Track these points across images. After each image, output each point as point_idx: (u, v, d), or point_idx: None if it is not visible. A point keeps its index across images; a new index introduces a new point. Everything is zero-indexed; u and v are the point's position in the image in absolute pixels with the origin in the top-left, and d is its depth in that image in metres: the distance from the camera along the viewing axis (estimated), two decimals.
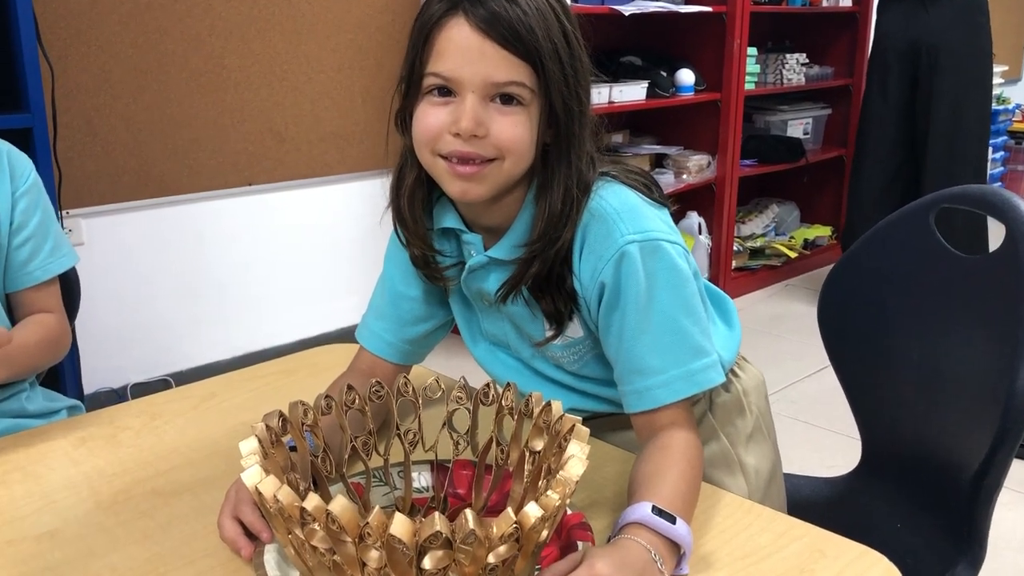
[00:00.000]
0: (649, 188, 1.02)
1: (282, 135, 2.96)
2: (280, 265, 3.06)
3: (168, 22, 2.65)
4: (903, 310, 1.23)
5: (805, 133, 4.29)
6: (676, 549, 0.84)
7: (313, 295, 3.16)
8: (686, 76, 3.57)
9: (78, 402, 1.41)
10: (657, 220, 0.99)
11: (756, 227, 4.26)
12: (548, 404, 0.88)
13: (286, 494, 0.71)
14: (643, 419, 0.99)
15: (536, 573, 0.80)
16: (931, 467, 1.21)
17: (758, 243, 4.18)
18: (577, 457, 0.77)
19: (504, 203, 1.00)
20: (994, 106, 5.22)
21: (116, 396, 2.69)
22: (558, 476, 0.75)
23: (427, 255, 1.06)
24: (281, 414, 0.86)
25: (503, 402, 0.92)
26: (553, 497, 0.74)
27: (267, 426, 0.83)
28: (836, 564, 0.87)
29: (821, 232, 4.39)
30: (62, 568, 0.87)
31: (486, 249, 1.03)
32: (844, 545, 0.90)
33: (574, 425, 0.82)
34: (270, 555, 0.80)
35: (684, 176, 3.70)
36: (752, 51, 3.75)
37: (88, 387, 2.50)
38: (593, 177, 0.99)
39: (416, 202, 1.03)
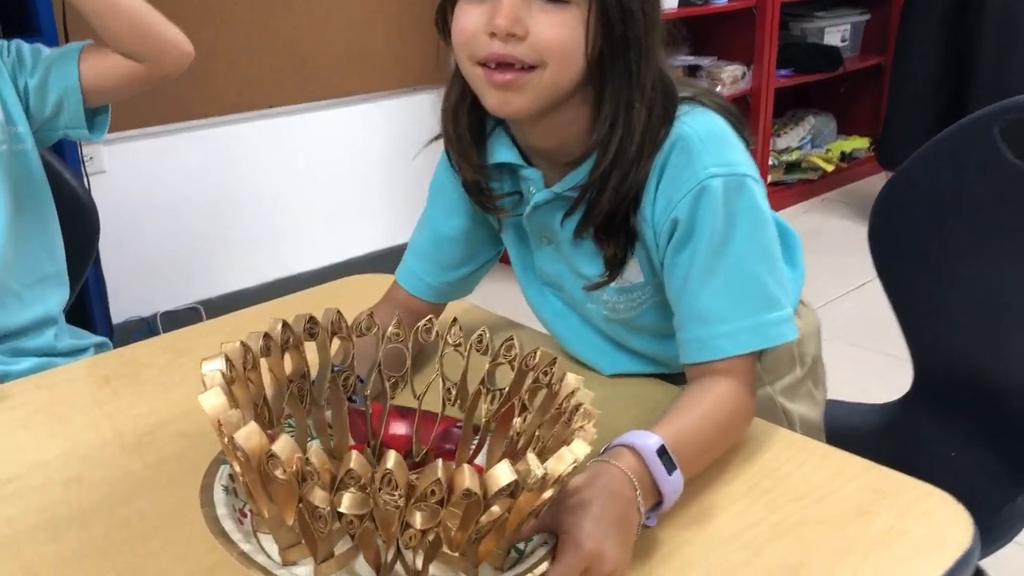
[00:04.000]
0: (733, 115, 0.92)
1: (302, 56, 2.82)
2: (305, 189, 2.96)
3: None
4: (962, 229, 1.15)
5: (843, 41, 4.07)
6: (657, 496, 0.76)
7: (339, 219, 3.07)
8: None
9: (106, 339, 1.36)
10: (743, 153, 0.89)
11: (792, 140, 4.08)
12: (554, 360, 0.79)
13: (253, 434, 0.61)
14: (699, 371, 0.90)
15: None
16: (989, 393, 1.16)
17: (794, 156, 4.01)
18: (584, 436, 0.68)
19: (558, 124, 0.88)
20: None
21: (146, 326, 2.64)
22: (562, 450, 0.66)
23: (480, 182, 0.96)
24: (286, 325, 0.78)
25: (503, 352, 0.83)
26: (565, 458, 0.64)
27: (243, 344, 0.73)
28: (897, 504, 0.81)
29: (859, 144, 4.20)
30: (88, 515, 0.83)
31: (548, 184, 0.93)
32: (906, 483, 0.83)
33: (582, 406, 0.72)
34: (220, 492, 0.71)
35: (718, 88, 3.52)
36: None
37: (116, 317, 2.45)
38: (676, 100, 0.88)
39: (463, 119, 0.93)
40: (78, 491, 0.86)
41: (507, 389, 0.81)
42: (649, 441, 0.76)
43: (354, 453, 0.60)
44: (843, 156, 4.12)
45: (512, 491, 0.62)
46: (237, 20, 2.65)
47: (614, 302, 0.98)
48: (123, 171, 2.53)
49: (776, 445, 0.90)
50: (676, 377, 1.04)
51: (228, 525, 0.67)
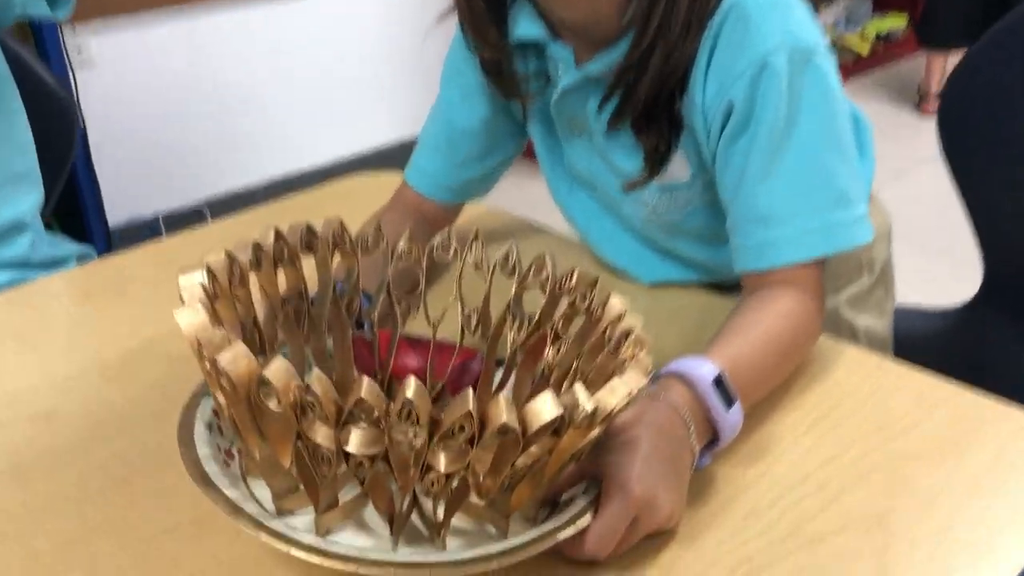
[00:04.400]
0: None
1: None
2: (312, 78, 2.79)
3: None
4: None
5: None
6: (712, 433, 0.66)
7: (348, 111, 2.91)
8: None
9: (89, 249, 1.24)
10: (811, 20, 0.76)
11: (825, 20, 3.85)
12: (595, 280, 0.68)
13: (241, 358, 0.50)
14: (757, 281, 0.78)
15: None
16: None
17: (828, 38, 3.82)
18: (637, 365, 0.57)
19: None
20: None
21: (148, 229, 2.51)
22: (614, 381, 0.55)
23: (500, 62, 0.84)
24: (279, 235, 0.66)
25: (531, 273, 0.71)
26: (617, 390, 0.53)
27: (229, 256, 0.62)
28: (998, 434, 0.71)
29: (896, 23, 3.97)
30: (62, 456, 0.72)
31: (579, 64, 0.81)
32: (1006, 411, 0.73)
33: (632, 333, 0.61)
34: (202, 429, 0.60)
35: None
36: None
37: (116, 219, 2.32)
38: None
39: None
40: (48, 428, 0.75)
41: (537, 315, 0.70)
42: (703, 370, 0.66)
43: (365, 380, 0.49)
44: (879, 37, 3.90)
45: (556, 428, 0.52)
46: None
47: (656, 203, 0.86)
48: (114, 62, 2.35)
49: (845, 365, 0.79)
50: (727, 286, 0.93)
51: (211, 468, 0.57)
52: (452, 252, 0.73)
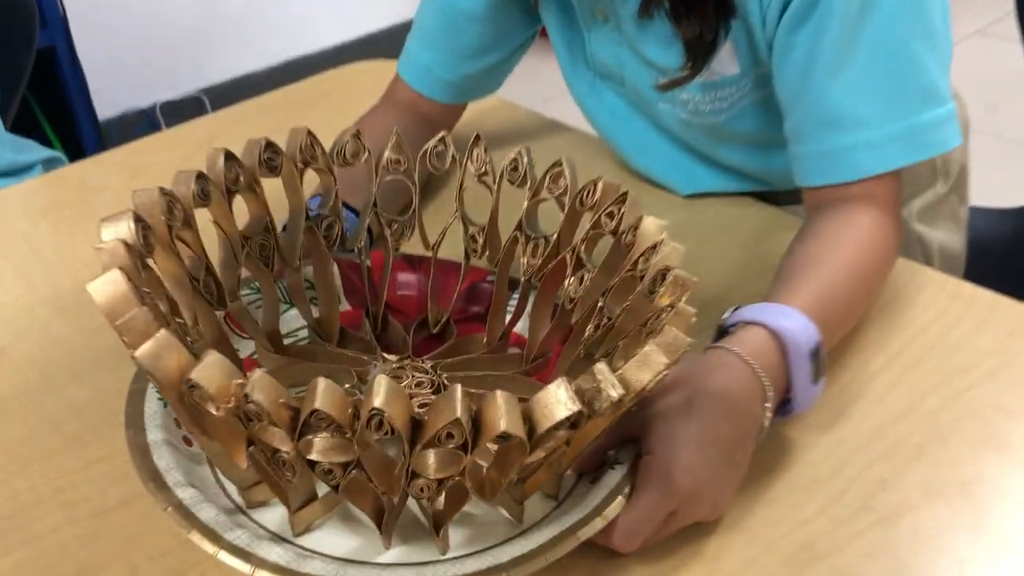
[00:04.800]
0: None
1: None
2: None
3: None
4: None
5: None
6: (783, 400, 0.54)
7: None
8: None
9: (56, 154, 1.13)
10: None
11: None
12: (623, 195, 0.54)
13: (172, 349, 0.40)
14: (824, 196, 0.65)
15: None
16: None
17: None
18: (677, 321, 0.45)
19: None
20: None
21: (146, 118, 2.36)
22: (657, 341, 0.43)
23: None
24: (230, 156, 0.54)
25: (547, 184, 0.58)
26: (651, 363, 0.42)
27: (165, 193, 0.50)
28: None
29: None
30: (7, 404, 0.62)
31: None
32: None
33: (672, 271, 0.48)
34: (155, 405, 0.50)
35: None
36: None
37: (112, 110, 2.19)
38: None
39: None
40: None
41: (555, 235, 0.58)
42: (791, 323, 0.53)
43: (320, 383, 0.38)
44: None
45: (574, 421, 0.41)
46: None
47: (697, 101, 0.73)
48: None
49: (919, 292, 0.67)
50: (778, 197, 0.79)
51: (162, 459, 0.47)
52: (449, 160, 0.60)
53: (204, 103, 2.43)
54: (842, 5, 0.60)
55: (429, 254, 0.62)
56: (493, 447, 0.42)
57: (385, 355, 0.58)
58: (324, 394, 0.38)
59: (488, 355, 0.60)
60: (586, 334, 0.54)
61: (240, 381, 0.39)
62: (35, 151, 1.09)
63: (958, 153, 0.84)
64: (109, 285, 0.43)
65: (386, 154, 0.60)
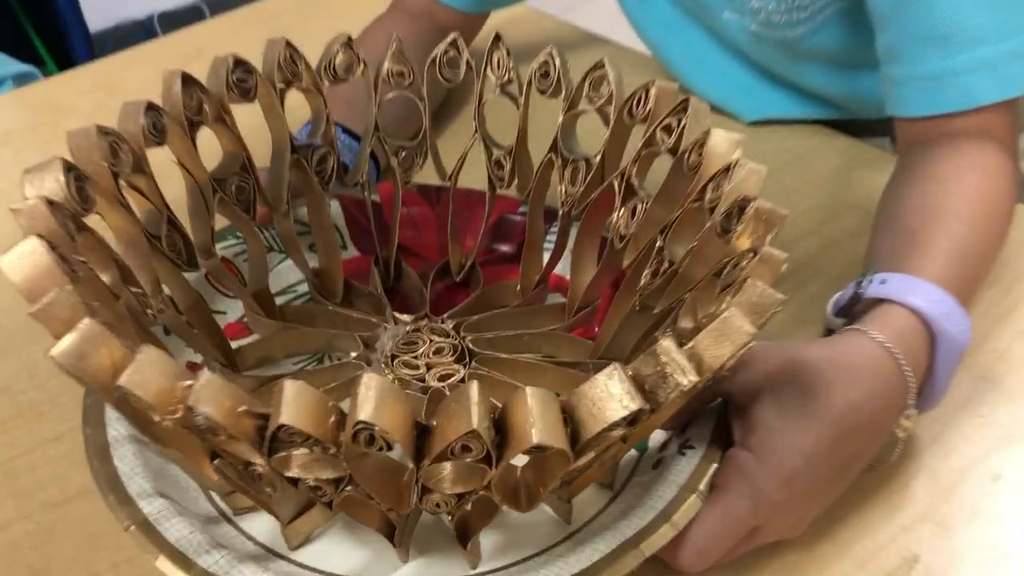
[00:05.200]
0: None
1: None
2: None
3: None
4: None
5: None
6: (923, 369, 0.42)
7: None
8: None
9: (30, 69, 1.03)
10: None
11: None
12: (684, 102, 0.43)
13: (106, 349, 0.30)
14: (928, 128, 0.53)
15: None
16: None
17: None
18: (763, 270, 0.34)
19: None
20: None
21: (143, 29, 2.22)
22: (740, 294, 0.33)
23: None
24: (190, 80, 0.44)
25: (585, 86, 0.47)
26: (731, 333, 0.31)
27: (105, 132, 0.40)
28: None
29: None
30: None
31: None
32: None
33: (753, 201, 0.37)
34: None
35: None
36: None
37: (105, 20, 2.07)
38: None
39: None
40: None
41: (598, 156, 0.47)
42: (945, 312, 0.42)
43: (288, 389, 0.29)
44: None
45: (632, 419, 0.31)
46: None
47: (770, 11, 0.62)
48: None
49: None
50: (858, 125, 0.67)
51: (125, 461, 0.38)
52: (464, 68, 0.49)
53: (203, 11, 2.29)
54: None
55: (447, 184, 0.52)
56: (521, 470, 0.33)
57: (397, 315, 0.48)
58: (294, 404, 0.28)
59: (522, 307, 0.50)
60: (642, 281, 0.44)
61: (187, 383, 0.30)
62: (6, 65, 0.99)
63: None
64: (26, 257, 0.33)
65: (386, 65, 0.49)
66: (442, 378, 0.44)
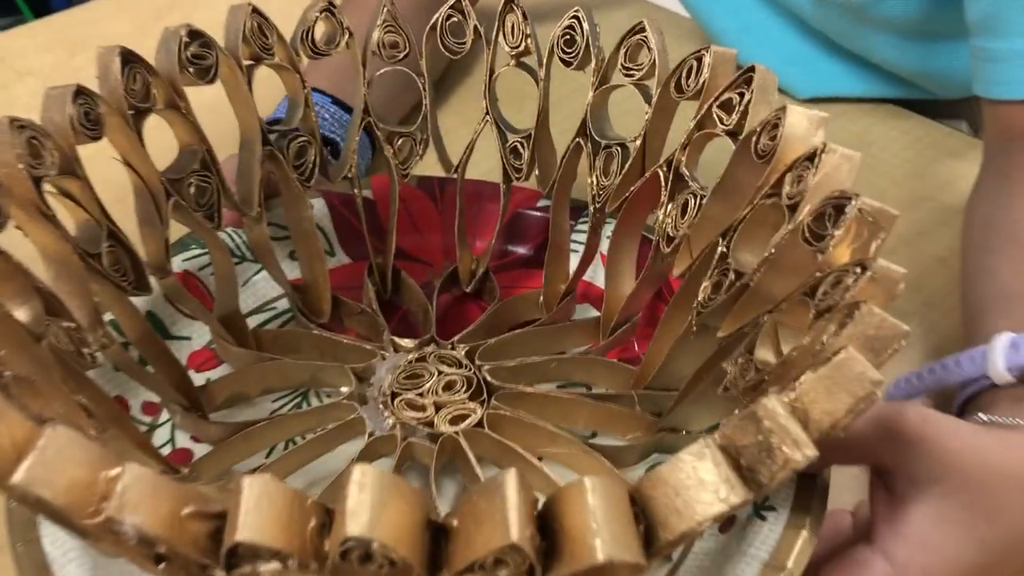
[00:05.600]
0: None
1: None
2: None
3: None
4: None
5: None
6: None
7: None
8: None
9: None
10: None
11: None
12: (748, 72, 0.35)
13: None
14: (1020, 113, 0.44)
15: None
16: None
17: None
18: (878, 290, 0.27)
19: None
20: None
21: None
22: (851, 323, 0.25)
23: None
24: (131, 58, 0.37)
25: (625, 57, 0.39)
26: (849, 384, 0.24)
27: (22, 125, 0.32)
28: None
29: None
30: None
31: None
32: None
33: (854, 200, 0.29)
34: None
35: None
36: None
37: None
38: None
39: None
40: None
41: (638, 140, 0.39)
42: None
43: (246, 485, 0.21)
44: None
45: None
46: None
47: None
48: None
49: None
50: (937, 106, 0.59)
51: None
52: (471, 34, 0.41)
53: None
54: None
55: (453, 177, 0.43)
56: None
57: (397, 340, 0.40)
58: (256, 512, 0.20)
59: (547, 324, 0.41)
60: (700, 295, 0.35)
61: (112, 473, 0.22)
62: None
63: None
64: None
65: (375, 35, 0.40)
66: (454, 420, 0.36)
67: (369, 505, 0.20)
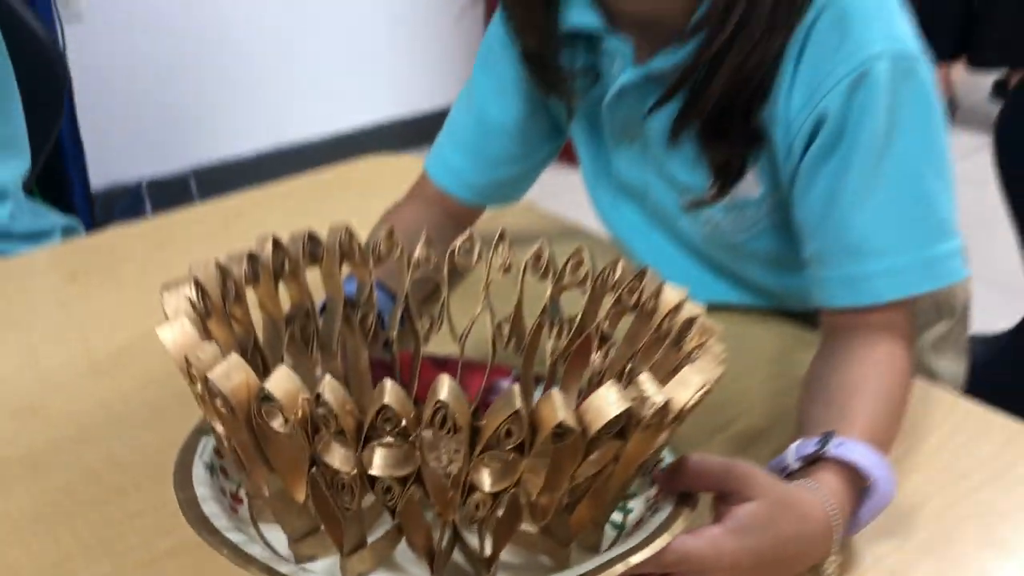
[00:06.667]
0: None
1: None
2: (308, 44, 2.78)
3: None
4: None
5: None
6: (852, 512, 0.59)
7: (345, 83, 2.89)
8: None
9: (75, 221, 1.20)
10: (910, 25, 0.69)
11: None
12: (643, 271, 0.62)
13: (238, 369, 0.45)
14: (844, 319, 0.71)
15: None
16: None
17: None
18: (708, 354, 0.51)
19: None
20: None
21: (130, 195, 2.46)
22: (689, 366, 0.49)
23: (545, 56, 0.78)
24: (278, 244, 0.61)
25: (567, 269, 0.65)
26: (689, 381, 0.47)
27: (220, 267, 0.56)
28: None
29: None
30: (46, 458, 0.67)
31: (639, 61, 0.75)
32: None
33: (697, 319, 0.56)
34: (202, 471, 0.54)
35: None
36: None
37: (96, 183, 2.25)
38: None
39: None
40: (34, 425, 0.70)
41: (579, 316, 0.64)
42: (887, 480, 0.58)
43: (388, 382, 0.43)
44: None
45: (622, 428, 0.45)
46: None
47: (719, 221, 0.79)
48: (103, 17, 2.33)
49: (926, 407, 0.73)
50: (789, 313, 0.86)
51: (211, 509, 0.50)
52: (476, 255, 0.67)
53: (190, 184, 2.52)
54: (867, 141, 0.67)
55: (456, 351, 0.68)
56: (543, 468, 0.46)
57: None
58: (391, 393, 0.43)
59: None
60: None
61: (307, 396, 0.44)
62: (54, 218, 1.16)
63: (962, 290, 0.91)
64: (177, 328, 0.48)
65: (417, 252, 0.66)
66: None
67: (447, 390, 0.42)
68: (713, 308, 0.86)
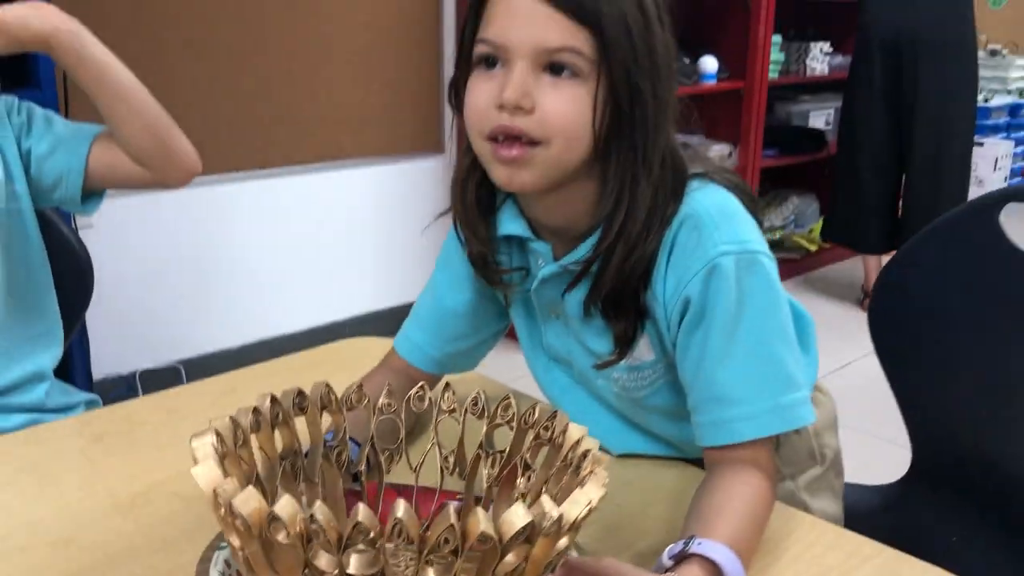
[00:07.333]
0: (745, 193, 0.95)
1: (297, 118, 3.00)
2: (293, 250, 3.08)
3: (179, 6, 2.70)
4: (965, 312, 1.18)
5: (827, 124, 4.29)
6: None
7: (326, 282, 3.19)
8: (709, 64, 3.56)
9: (95, 396, 1.40)
10: (755, 230, 0.92)
11: (775, 220, 4.25)
12: (554, 414, 0.82)
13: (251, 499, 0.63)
14: (717, 455, 0.91)
15: None
16: (992, 480, 1.18)
17: (777, 236, 4.18)
18: (595, 480, 0.70)
19: (566, 199, 0.92)
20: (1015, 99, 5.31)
21: (125, 384, 2.70)
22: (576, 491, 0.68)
23: (487, 256, 1.00)
24: (274, 400, 0.80)
25: (499, 413, 0.85)
26: (578, 501, 0.66)
27: (233, 420, 0.75)
28: None
29: None
30: None
31: (557, 258, 0.97)
32: (924, 570, 0.86)
33: (590, 452, 0.75)
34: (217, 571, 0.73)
35: None
36: (776, 39, 3.76)
37: (95, 374, 2.48)
38: (685, 176, 0.92)
39: (471, 192, 0.97)
40: (67, 554, 0.87)
41: (507, 450, 0.84)
42: (724, 557, 0.76)
43: (360, 506, 0.62)
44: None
45: (528, 536, 0.64)
46: (233, 77, 2.83)
47: (624, 380, 0.99)
48: (111, 226, 2.61)
49: (786, 523, 0.92)
50: (692, 460, 1.06)
51: None
52: (427, 402, 0.87)
53: (181, 373, 2.77)
54: (720, 318, 0.88)
55: (412, 480, 0.87)
56: (472, 566, 0.65)
57: None
58: (363, 513, 0.61)
59: None
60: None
61: (304, 516, 0.63)
62: (78, 394, 1.37)
63: (831, 441, 1.12)
64: (207, 469, 0.67)
65: (381, 400, 0.86)
66: None
67: (402, 511, 0.61)
68: (627, 456, 1.08)
